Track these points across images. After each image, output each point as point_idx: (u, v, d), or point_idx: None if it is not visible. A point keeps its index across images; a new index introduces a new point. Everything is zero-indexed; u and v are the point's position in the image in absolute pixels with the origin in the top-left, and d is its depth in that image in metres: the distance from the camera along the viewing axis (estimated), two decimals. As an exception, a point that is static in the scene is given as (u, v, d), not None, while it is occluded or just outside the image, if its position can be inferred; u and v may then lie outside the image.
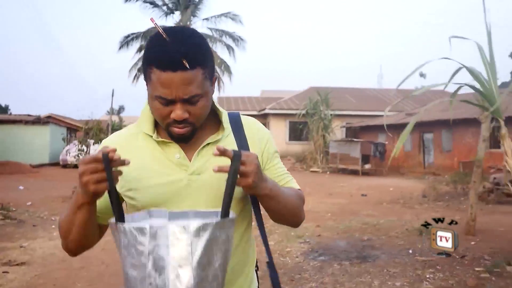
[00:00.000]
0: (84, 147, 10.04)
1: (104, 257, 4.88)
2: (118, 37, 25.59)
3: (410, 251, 5.29)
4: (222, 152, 0.93)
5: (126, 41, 24.22)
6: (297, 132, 24.11)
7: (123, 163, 0.93)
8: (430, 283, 4.09)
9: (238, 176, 0.94)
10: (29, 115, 25.66)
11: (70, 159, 18.39)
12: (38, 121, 22.55)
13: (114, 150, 0.89)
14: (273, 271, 1.10)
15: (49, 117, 26.77)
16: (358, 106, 25.29)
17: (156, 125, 1.12)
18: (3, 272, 4.33)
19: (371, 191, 11.82)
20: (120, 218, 0.92)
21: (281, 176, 1.19)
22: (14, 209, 7.93)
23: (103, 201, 1.01)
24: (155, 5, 23.92)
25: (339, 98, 24.99)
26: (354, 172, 18.12)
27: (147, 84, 1.02)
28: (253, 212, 1.16)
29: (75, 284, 4.11)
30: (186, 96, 0.98)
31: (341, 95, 26.02)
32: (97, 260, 4.87)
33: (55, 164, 21.49)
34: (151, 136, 1.10)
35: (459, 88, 4.20)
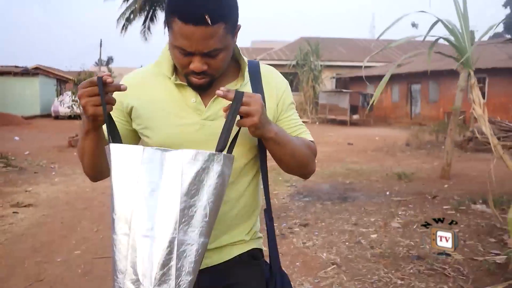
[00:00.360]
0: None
1: (105, 200, 5.28)
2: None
3: (387, 193, 5.76)
4: (224, 95, 0.96)
5: (113, -12, 23.60)
6: (287, 83, 24.21)
7: (119, 88, 0.96)
8: (401, 219, 4.56)
9: (243, 117, 0.97)
10: (16, 67, 25.40)
11: (63, 110, 18.53)
12: (27, 72, 22.42)
13: (109, 75, 0.94)
14: (269, 219, 1.15)
15: (36, 68, 26.52)
16: (348, 57, 25.31)
17: (175, 68, 1.11)
18: (13, 213, 4.71)
19: (357, 140, 12.27)
20: (115, 141, 0.97)
21: (294, 127, 1.19)
22: (13, 158, 8.25)
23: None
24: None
25: (330, 48, 24.95)
26: (343, 123, 18.53)
27: (168, 30, 1.02)
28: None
29: (80, 222, 4.51)
30: (206, 50, 0.98)
31: (332, 45, 25.95)
32: (99, 202, 5.27)
33: (46, 115, 21.61)
34: (170, 78, 1.11)
35: (436, 41, 4.45)
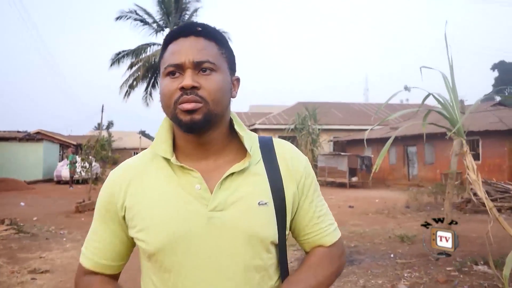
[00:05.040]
0: (87, 164, 10.56)
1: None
2: (110, 54, 26.24)
3: (392, 255, 5.94)
4: None
5: (117, 58, 24.60)
6: (286, 146, 24.74)
7: None
8: (407, 281, 4.73)
9: None
10: (18, 132, 26.04)
11: (66, 174, 18.84)
12: (31, 138, 22.92)
13: None
14: None
15: (38, 133, 27.14)
16: (344, 121, 26.18)
17: (175, 148, 1.00)
18: (32, 279, 4.86)
19: (357, 203, 12.49)
20: None
21: (318, 219, 1.04)
22: (22, 224, 8.40)
23: (109, 248, 1.03)
24: (145, 22, 24.36)
25: (326, 113, 25.80)
26: (342, 185, 18.80)
27: (160, 69, 0.98)
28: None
29: (97, 288, 4.64)
30: (197, 59, 0.91)
31: (328, 110, 26.86)
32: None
33: (48, 180, 21.83)
34: (169, 160, 0.97)
35: (428, 113, 4.89)
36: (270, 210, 0.96)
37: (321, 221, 1.05)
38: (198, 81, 0.91)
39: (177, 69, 0.93)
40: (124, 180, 1.00)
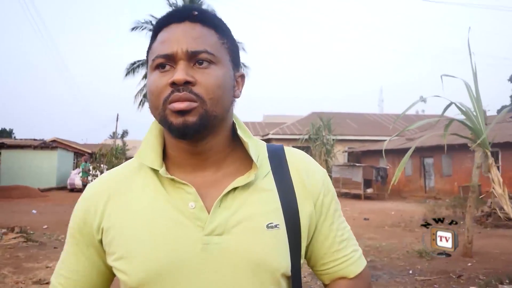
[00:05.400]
0: (98, 173, 10.48)
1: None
2: (125, 64, 26.42)
3: (410, 272, 5.66)
4: None
5: (132, 68, 24.83)
6: (299, 156, 24.56)
7: None
8: (428, 300, 4.47)
9: None
10: (34, 140, 26.33)
11: (79, 182, 18.90)
12: (46, 146, 23.11)
13: None
14: None
15: (54, 141, 27.43)
16: (359, 131, 25.86)
17: (165, 157, 0.82)
18: (36, 290, 4.72)
19: (373, 215, 12.17)
20: None
21: (339, 245, 0.86)
22: (32, 232, 8.32)
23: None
24: (160, 33, 24.55)
25: (341, 123, 25.54)
26: (357, 196, 18.46)
27: (148, 70, 0.80)
28: None
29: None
30: (192, 49, 0.74)
31: (342, 120, 26.60)
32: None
33: (62, 188, 21.93)
34: (157, 171, 0.79)
35: (450, 122, 4.67)
36: (281, 235, 0.78)
37: (344, 247, 0.86)
38: (193, 75, 0.74)
39: (168, 61, 0.75)
40: (102, 195, 0.82)
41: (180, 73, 0.73)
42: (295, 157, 0.87)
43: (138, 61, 24.55)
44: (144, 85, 24.26)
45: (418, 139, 19.60)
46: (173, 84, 0.73)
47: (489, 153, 4.23)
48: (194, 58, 0.75)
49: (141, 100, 25.13)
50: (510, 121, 18.11)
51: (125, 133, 60.46)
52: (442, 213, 11.54)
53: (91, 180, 11.94)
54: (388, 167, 19.23)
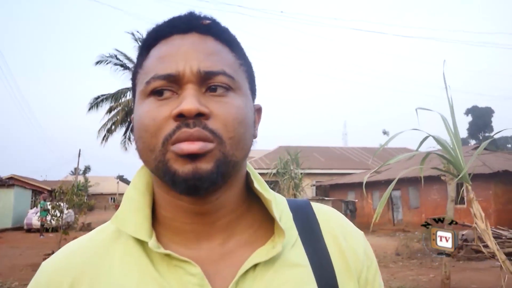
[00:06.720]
0: (58, 212, 9.85)
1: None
2: (88, 98, 25.88)
3: (391, 312, 5.43)
4: None
5: (96, 102, 24.31)
6: (268, 191, 24.41)
7: None
8: None
9: None
10: (-10, 177, 24.97)
11: (36, 222, 17.85)
12: (2, 183, 21.92)
13: None
14: None
15: (11, 178, 26.14)
16: (326, 165, 26.02)
17: (154, 220, 0.59)
18: None
19: (345, 250, 11.98)
20: None
21: None
22: (-19, 280, 7.60)
23: None
24: (125, 67, 24.24)
25: (308, 157, 25.63)
26: (326, 231, 18.31)
27: (136, 98, 0.58)
28: None
29: None
30: (206, 68, 0.54)
31: (309, 153, 26.71)
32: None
33: (18, 228, 20.65)
34: (145, 244, 0.56)
35: (427, 155, 4.59)
36: None
37: None
38: (207, 104, 0.53)
39: (169, 84, 0.54)
40: (64, 279, 0.57)
41: (190, 101, 0.51)
42: (327, 216, 0.66)
43: (102, 95, 24.04)
44: (108, 120, 23.73)
45: (384, 171, 19.88)
46: (180, 116, 0.51)
47: (469, 187, 4.14)
48: (206, 82, 0.54)
49: (105, 135, 24.46)
50: (471, 153, 18.67)
51: (87, 169, 58.70)
52: (414, 246, 11.48)
53: (50, 221, 11.24)
54: (356, 200, 19.28)
